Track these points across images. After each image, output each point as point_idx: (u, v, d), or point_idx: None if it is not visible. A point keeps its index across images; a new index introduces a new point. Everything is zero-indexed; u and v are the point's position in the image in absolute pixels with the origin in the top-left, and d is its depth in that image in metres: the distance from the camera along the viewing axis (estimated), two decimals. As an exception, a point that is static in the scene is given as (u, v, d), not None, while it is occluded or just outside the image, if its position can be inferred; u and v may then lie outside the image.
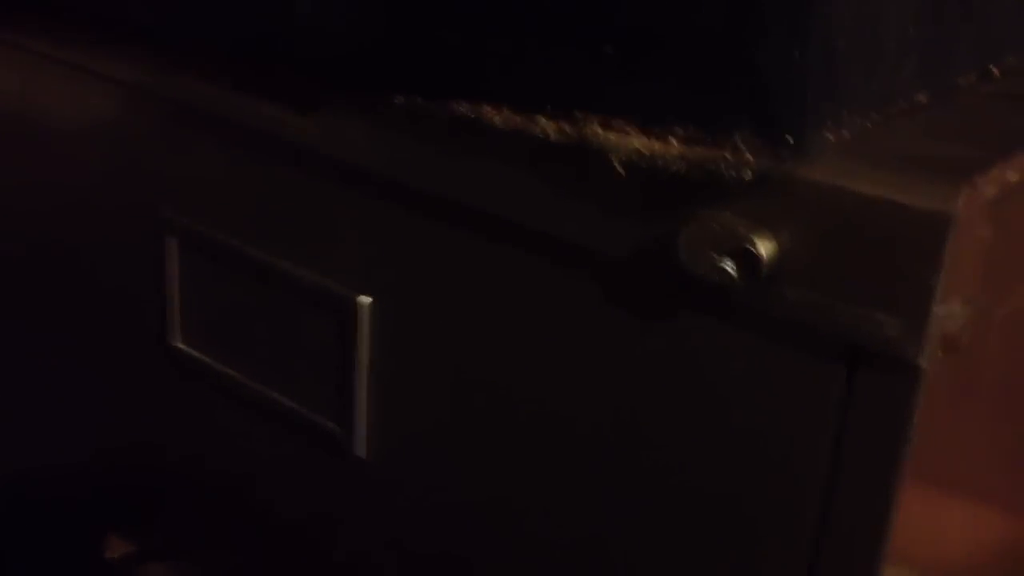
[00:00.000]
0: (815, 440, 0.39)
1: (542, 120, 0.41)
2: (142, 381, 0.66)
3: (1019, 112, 0.43)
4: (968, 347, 0.39)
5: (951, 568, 0.52)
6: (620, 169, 0.39)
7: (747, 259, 0.38)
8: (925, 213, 0.34)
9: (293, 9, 0.48)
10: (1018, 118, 0.43)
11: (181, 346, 0.62)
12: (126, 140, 0.62)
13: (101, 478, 0.72)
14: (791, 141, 0.36)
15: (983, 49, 0.46)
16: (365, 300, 0.52)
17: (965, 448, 0.49)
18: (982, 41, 0.45)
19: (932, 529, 0.48)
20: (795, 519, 0.40)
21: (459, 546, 0.54)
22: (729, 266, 0.38)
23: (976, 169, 0.35)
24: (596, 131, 0.40)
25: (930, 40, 0.41)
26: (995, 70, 0.46)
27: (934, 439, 0.40)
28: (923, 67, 0.41)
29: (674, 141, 0.38)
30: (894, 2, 0.38)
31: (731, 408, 0.41)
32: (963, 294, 0.36)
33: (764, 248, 0.37)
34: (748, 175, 0.37)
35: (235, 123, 0.54)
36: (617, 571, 0.47)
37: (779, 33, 0.35)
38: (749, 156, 0.37)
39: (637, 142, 0.39)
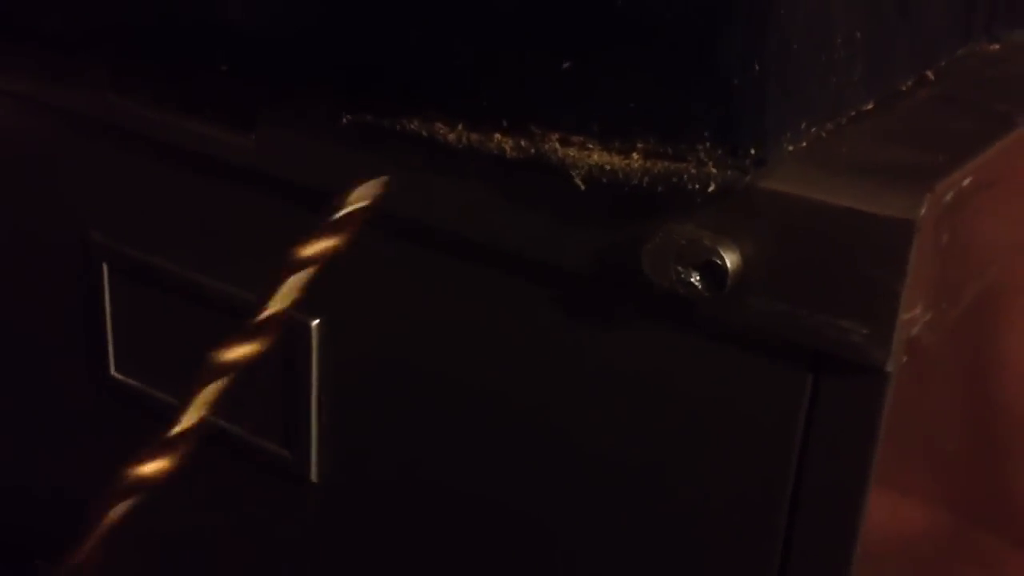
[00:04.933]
0: (782, 447, 0.40)
1: (498, 136, 0.41)
2: (76, 411, 0.63)
3: (958, 116, 0.44)
4: (928, 349, 0.40)
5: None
6: (580, 184, 0.39)
7: (712, 271, 0.38)
8: (889, 220, 0.35)
9: (226, 15, 0.46)
10: (958, 122, 0.44)
11: (117, 375, 0.59)
12: (50, 160, 0.59)
13: (31, 509, 0.69)
14: (753, 152, 0.36)
15: (920, 54, 0.47)
16: (314, 323, 0.51)
17: (909, 445, 0.50)
18: (918, 46, 0.46)
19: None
20: (764, 526, 0.41)
21: (420, 570, 0.53)
22: (695, 278, 0.38)
23: (934, 176, 0.36)
24: (555, 147, 0.40)
25: (875, 45, 0.42)
26: (930, 74, 0.47)
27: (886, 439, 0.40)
28: (869, 74, 0.42)
29: (636, 155, 0.38)
30: (843, 9, 0.39)
31: (698, 418, 0.41)
32: (924, 298, 0.37)
33: (729, 259, 0.37)
34: (711, 187, 0.37)
35: (165, 141, 0.53)
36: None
37: (738, 43, 0.35)
38: (712, 168, 0.37)
39: (598, 157, 0.39)
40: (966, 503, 0.59)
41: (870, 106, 0.42)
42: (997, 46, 0.53)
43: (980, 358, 0.54)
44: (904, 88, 0.45)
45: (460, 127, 0.42)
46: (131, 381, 0.59)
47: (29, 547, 0.70)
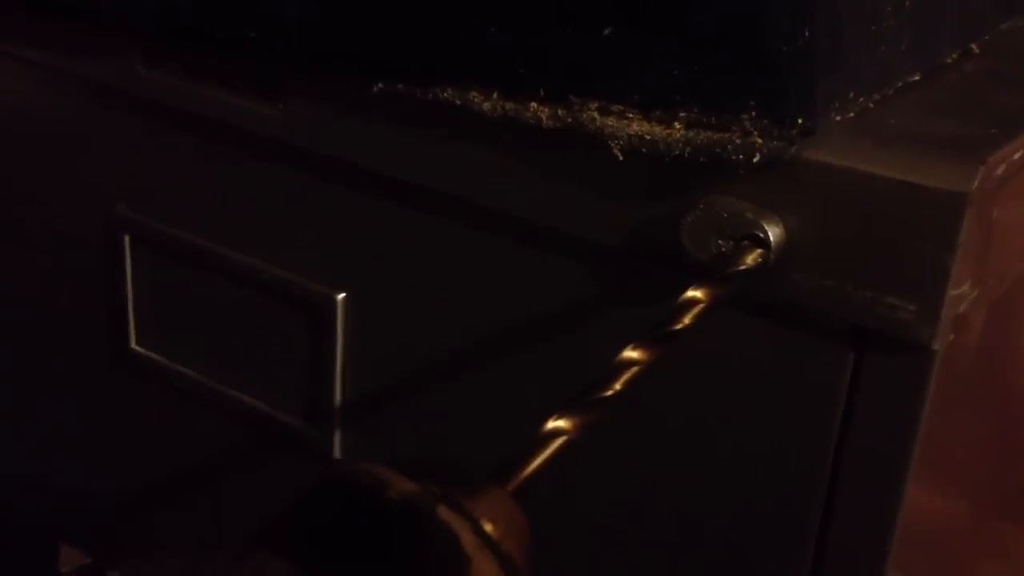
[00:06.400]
0: (823, 425, 0.39)
1: (534, 106, 0.40)
2: (97, 386, 0.62)
3: (1005, 90, 0.43)
4: (972, 328, 0.39)
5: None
6: (619, 155, 0.38)
7: (755, 244, 0.37)
8: (942, 193, 0.34)
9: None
10: (1006, 95, 0.43)
11: (139, 349, 0.59)
12: (76, 133, 0.59)
13: (51, 487, 0.69)
14: (800, 121, 0.35)
15: (965, 27, 0.45)
16: (340, 296, 0.50)
17: (941, 430, 0.49)
18: (965, 19, 0.45)
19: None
20: (803, 504, 0.40)
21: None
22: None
23: (986, 148, 0.35)
24: (593, 116, 0.39)
25: (922, 16, 0.40)
26: (975, 48, 0.46)
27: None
28: (916, 45, 0.41)
29: (678, 125, 0.37)
30: (893, -21, 0.38)
31: (738, 394, 0.40)
32: (972, 274, 0.36)
33: (772, 233, 0.36)
34: (756, 158, 0.36)
35: (192, 112, 0.52)
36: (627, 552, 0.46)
37: (787, 9, 0.34)
38: (757, 138, 0.36)
39: (638, 126, 0.38)
40: (991, 494, 0.58)
41: (917, 77, 0.41)
42: (1040, 21, 0.52)
43: (1013, 344, 0.53)
44: (950, 60, 0.44)
45: (495, 96, 0.41)
46: (151, 355, 0.59)
47: (52, 526, 0.70)
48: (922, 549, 0.48)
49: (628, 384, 0.33)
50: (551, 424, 0.31)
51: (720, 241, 0.37)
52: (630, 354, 0.33)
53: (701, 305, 0.34)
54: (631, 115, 0.38)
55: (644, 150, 0.38)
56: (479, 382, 0.48)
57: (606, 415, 0.32)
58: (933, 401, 0.38)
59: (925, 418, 0.37)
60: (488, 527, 0.25)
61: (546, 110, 0.40)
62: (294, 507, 0.27)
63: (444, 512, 0.25)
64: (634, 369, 0.33)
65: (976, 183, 0.34)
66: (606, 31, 0.37)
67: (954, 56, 0.45)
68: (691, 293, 0.35)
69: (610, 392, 0.32)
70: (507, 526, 0.26)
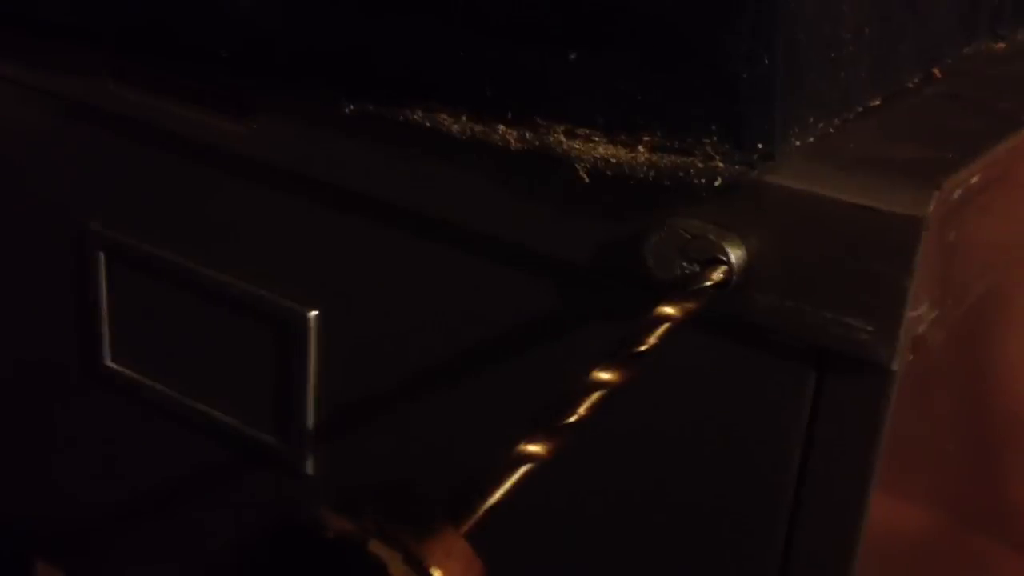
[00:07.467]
0: (785, 444, 0.39)
1: (502, 128, 0.40)
2: (71, 401, 0.63)
3: (964, 114, 0.44)
4: (932, 348, 0.40)
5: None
6: (585, 177, 0.39)
7: (718, 265, 0.37)
8: (898, 217, 0.34)
9: (229, 2, 0.46)
10: (965, 120, 0.43)
11: (113, 365, 0.59)
12: (47, 149, 0.59)
13: (26, 502, 0.69)
14: (760, 147, 0.36)
15: (927, 51, 0.46)
16: (312, 314, 0.51)
17: (908, 444, 0.50)
18: (926, 43, 0.46)
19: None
20: (767, 522, 0.40)
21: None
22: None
23: (942, 173, 0.36)
24: (560, 139, 0.39)
25: (882, 42, 0.41)
26: (937, 72, 0.47)
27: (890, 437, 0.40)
28: (876, 70, 0.41)
29: (642, 149, 0.38)
30: (852, 5, 0.39)
31: (700, 413, 0.41)
32: (930, 296, 0.37)
33: (734, 255, 0.37)
34: (718, 181, 0.36)
35: (164, 129, 0.52)
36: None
37: (747, 36, 0.35)
38: (719, 162, 0.36)
39: (603, 150, 0.38)
40: (965, 506, 0.58)
41: (877, 102, 0.42)
42: (1003, 45, 0.53)
43: (981, 358, 0.54)
44: (911, 85, 0.45)
45: (464, 118, 0.41)
46: (126, 371, 0.59)
47: (27, 542, 0.70)
48: (895, 563, 0.49)
49: (595, 408, 0.33)
50: (516, 451, 0.31)
51: (684, 263, 0.38)
52: (600, 376, 0.33)
53: (670, 323, 0.34)
54: (596, 138, 0.39)
55: (609, 173, 0.38)
56: (449, 400, 0.48)
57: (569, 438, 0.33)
58: (903, 415, 0.38)
59: (885, 436, 0.38)
60: (438, 574, 0.25)
61: (514, 132, 0.40)
62: (246, 552, 0.27)
63: (375, 546, 0.25)
64: (602, 392, 0.33)
65: (932, 207, 0.34)
66: (572, 55, 0.38)
67: (915, 80, 0.46)
68: (661, 309, 0.35)
69: (575, 418, 0.32)
70: (458, 568, 0.26)
